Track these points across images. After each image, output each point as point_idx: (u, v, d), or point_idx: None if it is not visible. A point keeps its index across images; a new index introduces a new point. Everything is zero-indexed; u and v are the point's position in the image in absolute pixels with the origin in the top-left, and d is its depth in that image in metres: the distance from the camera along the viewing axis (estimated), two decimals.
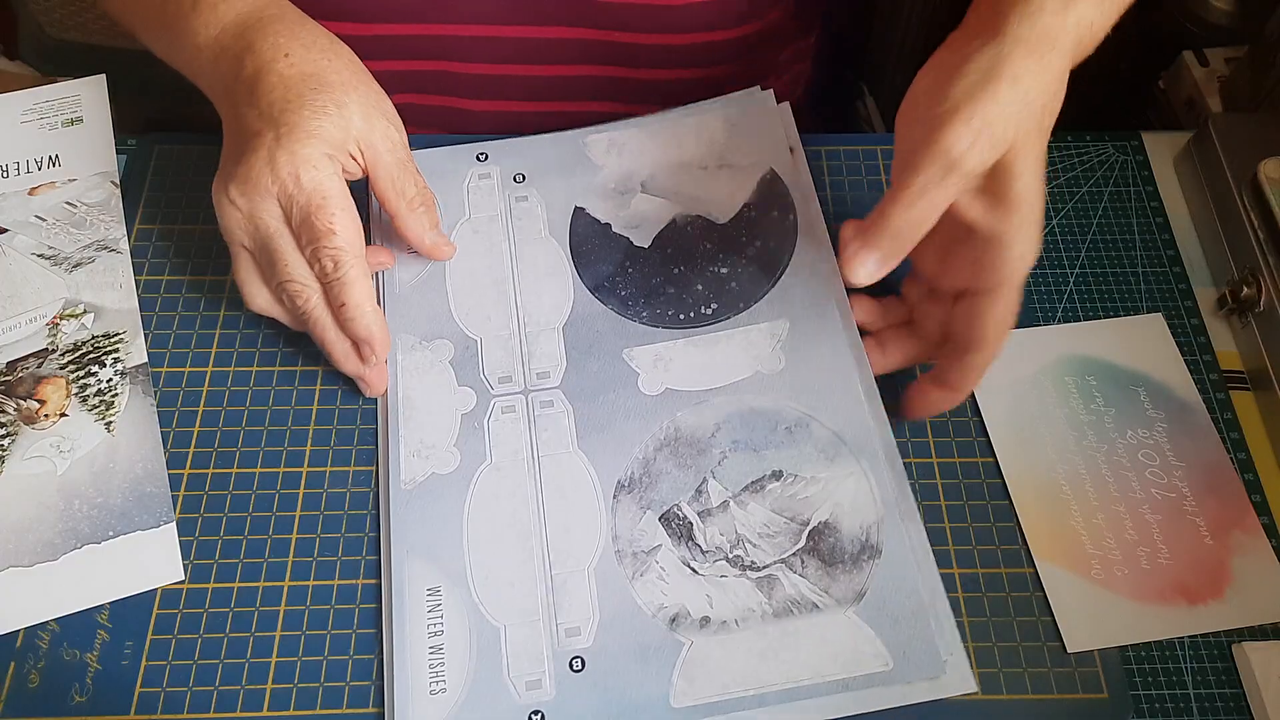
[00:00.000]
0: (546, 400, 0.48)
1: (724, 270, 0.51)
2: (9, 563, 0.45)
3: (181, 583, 0.45)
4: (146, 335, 0.51)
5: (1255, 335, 0.51)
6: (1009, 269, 0.41)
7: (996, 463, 0.48)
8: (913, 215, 0.40)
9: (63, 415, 0.48)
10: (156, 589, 0.45)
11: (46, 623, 0.44)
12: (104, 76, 0.59)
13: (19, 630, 0.44)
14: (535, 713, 0.41)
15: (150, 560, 0.45)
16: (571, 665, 0.42)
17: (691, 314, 0.50)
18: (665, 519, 0.45)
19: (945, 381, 0.46)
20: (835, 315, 0.49)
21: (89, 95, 0.59)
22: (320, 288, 0.45)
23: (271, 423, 0.49)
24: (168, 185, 0.56)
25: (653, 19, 0.56)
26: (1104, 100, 0.82)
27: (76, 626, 0.44)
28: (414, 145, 0.50)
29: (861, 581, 0.43)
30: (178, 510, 0.47)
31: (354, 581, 0.45)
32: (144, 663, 0.43)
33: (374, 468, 0.48)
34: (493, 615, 0.44)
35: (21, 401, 0.49)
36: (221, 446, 0.48)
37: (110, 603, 0.45)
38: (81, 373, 0.50)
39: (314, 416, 0.49)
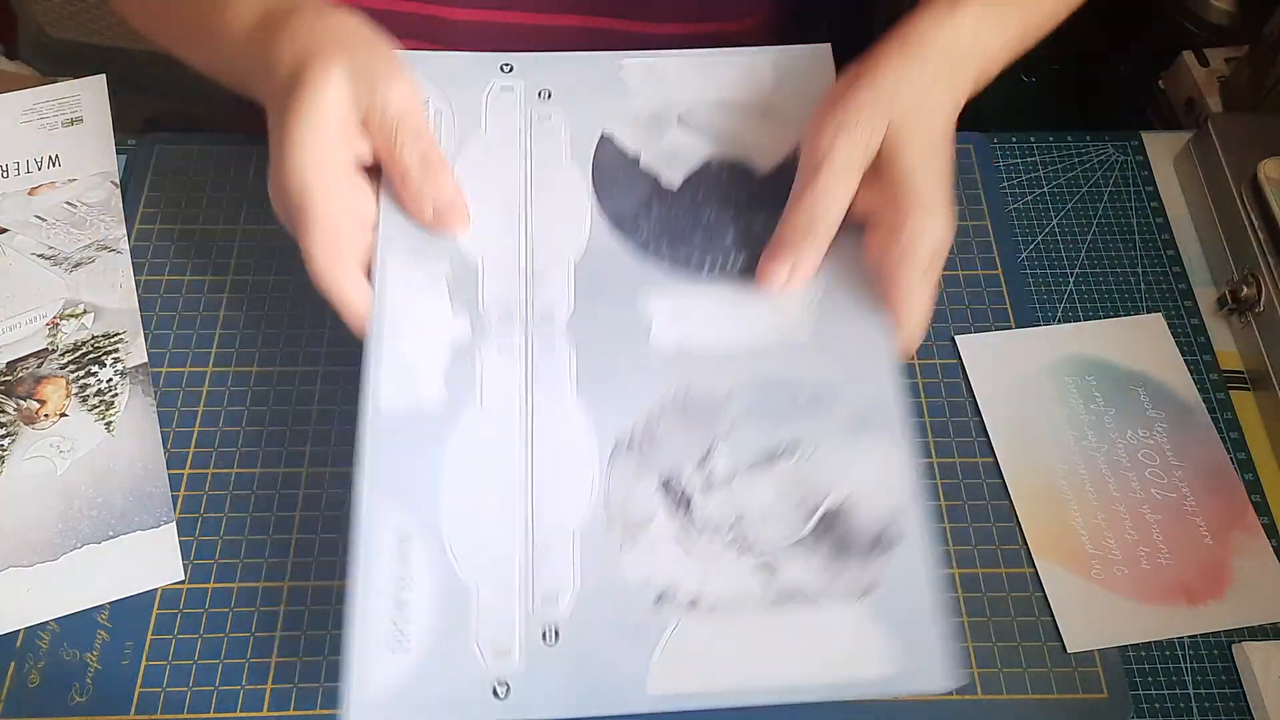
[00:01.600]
0: (548, 342, 0.43)
1: (757, 224, 0.46)
2: (9, 563, 0.45)
3: (181, 582, 0.45)
4: (146, 335, 0.51)
5: (1255, 335, 0.51)
6: (900, 247, 0.41)
7: (996, 463, 0.48)
8: (801, 219, 0.42)
9: (63, 415, 0.48)
10: (156, 589, 0.45)
11: (46, 623, 0.44)
12: (104, 76, 0.59)
13: (19, 630, 0.44)
14: (501, 684, 0.38)
15: (151, 560, 0.45)
16: (544, 636, 0.39)
17: (718, 265, 0.45)
18: (664, 486, 0.42)
19: None
20: (871, 283, 0.44)
21: (89, 95, 0.59)
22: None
23: (271, 423, 0.49)
24: (168, 185, 0.56)
25: None
26: (1104, 100, 0.82)
27: (76, 626, 0.44)
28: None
29: (873, 575, 0.40)
30: (178, 510, 0.47)
31: None
32: (144, 663, 0.43)
33: None
34: (465, 572, 0.39)
35: (21, 401, 0.49)
36: (221, 446, 0.48)
37: (110, 603, 0.45)
38: (81, 373, 0.50)
39: (314, 416, 0.49)
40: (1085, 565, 0.46)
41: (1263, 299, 0.51)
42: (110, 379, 0.50)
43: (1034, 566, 0.46)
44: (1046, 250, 0.55)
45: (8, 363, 0.50)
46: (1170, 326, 0.52)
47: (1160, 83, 0.70)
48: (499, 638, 0.39)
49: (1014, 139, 0.59)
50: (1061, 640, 0.44)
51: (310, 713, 0.43)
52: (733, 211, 0.46)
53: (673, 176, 0.47)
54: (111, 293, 0.52)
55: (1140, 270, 0.54)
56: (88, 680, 0.43)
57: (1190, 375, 0.51)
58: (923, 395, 0.50)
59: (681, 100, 0.49)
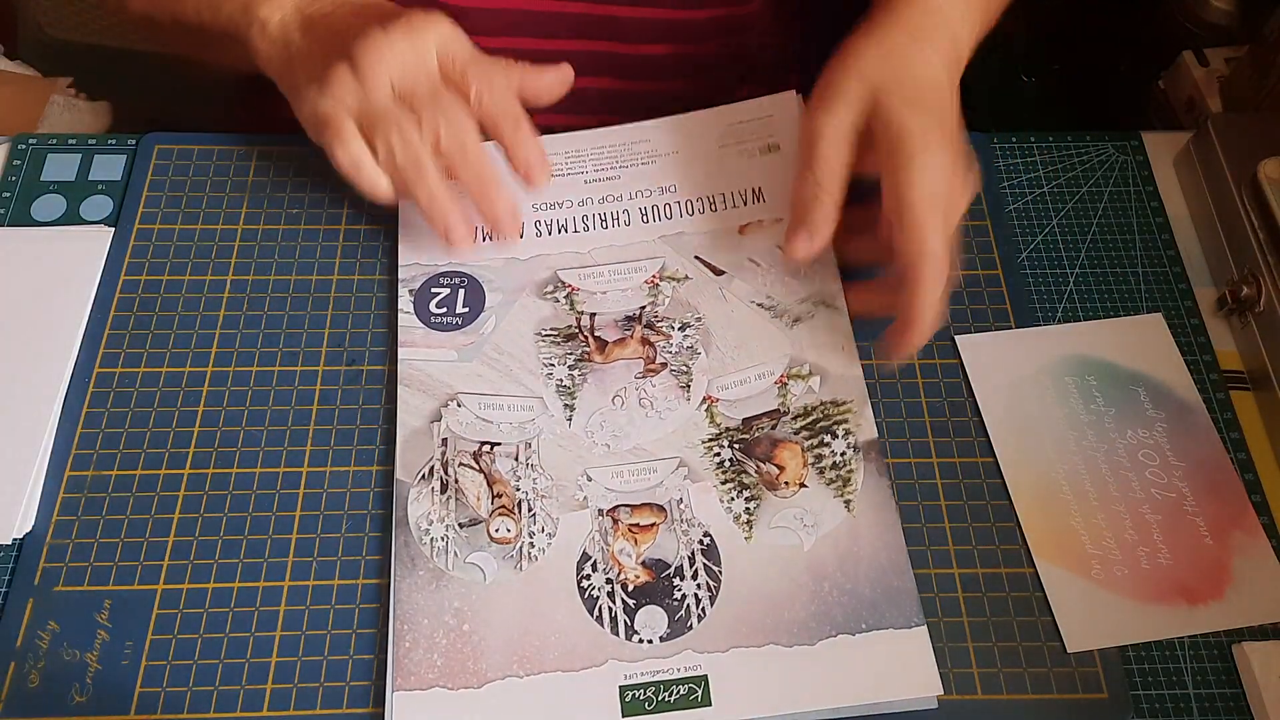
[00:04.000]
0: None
1: None
2: (768, 638, 0.43)
3: (180, 583, 0.45)
4: (147, 335, 0.51)
5: (1255, 335, 0.51)
6: (903, 184, 0.44)
7: (996, 463, 0.48)
8: (807, 191, 0.46)
9: (802, 485, 0.46)
10: (155, 588, 0.45)
11: (46, 623, 0.44)
12: (794, 93, 0.56)
13: (20, 630, 0.44)
14: None
15: (902, 665, 0.42)
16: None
17: None
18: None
19: (902, 321, 0.46)
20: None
21: (783, 118, 0.55)
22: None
23: (271, 423, 0.49)
24: (168, 185, 0.56)
25: None
26: (1104, 100, 0.82)
27: (76, 626, 0.44)
28: None
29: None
30: (177, 510, 0.47)
31: (354, 581, 0.45)
32: (144, 663, 0.43)
33: (373, 467, 0.48)
34: None
35: (761, 464, 0.46)
36: (221, 446, 0.48)
37: (111, 603, 0.45)
38: (815, 441, 0.47)
39: (314, 416, 0.49)
40: (1085, 565, 0.46)
41: (1263, 299, 0.50)
42: (843, 452, 0.47)
43: (1034, 566, 0.46)
44: (1046, 250, 0.55)
45: (744, 419, 0.48)
46: (1170, 326, 0.52)
47: (1160, 83, 0.70)
48: None
49: (1014, 139, 0.59)
50: (1061, 640, 0.44)
51: (310, 712, 0.43)
52: None
53: None
54: (834, 355, 0.49)
55: (1140, 270, 0.54)
56: (88, 680, 0.43)
57: (1190, 375, 0.51)
58: (923, 395, 0.50)
59: None
